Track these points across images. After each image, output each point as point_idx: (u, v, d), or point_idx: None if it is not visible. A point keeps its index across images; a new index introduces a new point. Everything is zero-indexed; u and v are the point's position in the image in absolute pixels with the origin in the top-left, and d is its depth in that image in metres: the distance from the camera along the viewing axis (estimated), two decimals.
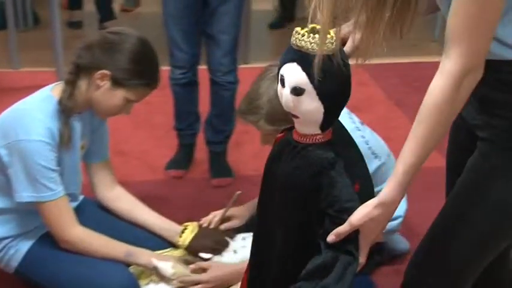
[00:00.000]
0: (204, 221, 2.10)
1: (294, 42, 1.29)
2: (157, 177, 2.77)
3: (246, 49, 3.97)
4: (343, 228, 1.30)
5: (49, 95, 1.91)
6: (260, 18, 4.65)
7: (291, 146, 1.39)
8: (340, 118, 1.98)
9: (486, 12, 1.18)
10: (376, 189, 2.02)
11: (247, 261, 1.97)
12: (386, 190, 1.29)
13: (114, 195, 2.14)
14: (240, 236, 2.07)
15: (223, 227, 2.09)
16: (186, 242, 2.00)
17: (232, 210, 2.10)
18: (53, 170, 1.84)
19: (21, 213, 1.94)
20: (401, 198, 1.31)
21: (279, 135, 1.50)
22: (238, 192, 2.07)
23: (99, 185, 2.13)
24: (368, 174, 1.46)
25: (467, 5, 1.17)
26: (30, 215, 1.94)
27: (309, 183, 1.35)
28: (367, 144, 2.01)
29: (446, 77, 1.21)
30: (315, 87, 1.28)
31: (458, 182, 1.42)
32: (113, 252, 1.95)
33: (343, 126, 1.48)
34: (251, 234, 2.05)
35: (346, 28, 1.47)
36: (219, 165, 2.77)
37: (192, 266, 1.97)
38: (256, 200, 2.16)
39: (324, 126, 1.36)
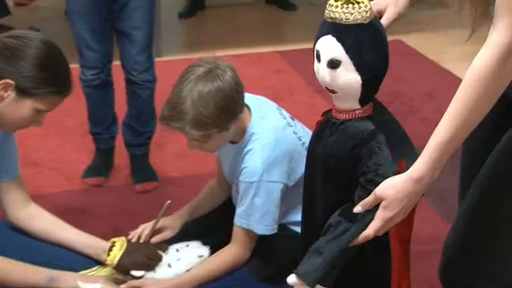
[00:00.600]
0: (133, 235, 1.96)
1: (328, 14, 1.31)
2: (75, 187, 2.59)
3: (157, 42, 3.80)
4: (368, 200, 1.31)
5: None
6: (169, 8, 4.49)
7: (330, 123, 1.41)
8: (270, 115, 1.93)
9: None
10: None
11: (184, 275, 1.87)
12: (416, 165, 1.26)
13: (28, 214, 1.96)
14: (173, 248, 1.94)
15: (154, 240, 1.96)
16: (115, 260, 1.86)
17: (162, 221, 1.98)
18: None
19: None
20: (434, 175, 1.26)
21: (319, 118, 1.49)
22: (168, 202, 1.94)
23: (11, 205, 1.94)
24: (417, 156, 1.34)
25: None
26: None
27: (349, 157, 1.36)
28: (300, 140, 1.92)
29: (492, 49, 1.15)
30: (352, 58, 1.28)
31: (491, 162, 1.36)
32: (32, 279, 1.79)
33: (383, 107, 1.46)
34: (185, 244, 1.96)
35: (381, 2, 1.45)
36: (142, 169, 2.62)
37: (122, 286, 1.83)
38: (187, 207, 2.08)
39: (363, 100, 1.36)
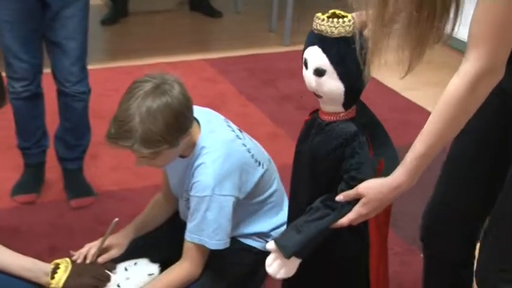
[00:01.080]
0: (78, 255, 1.87)
1: (315, 26, 1.43)
2: (3, 206, 2.46)
3: None
4: (350, 193, 1.47)
5: None
6: (91, 15, 4.36)
7: (316, 124, 1.54)
8: (219, 128, 1.90)
9: (508, 19, 1.25)
10: (262, 196, 1.97)
11: None
12: (395, 174, 1.43)
13: None
14: (121, 267, 1.87)
15: (101, 259, 1.87)
16: (60, 284, 1.76)
17: (109, 239, 1.90)
18: None
19: None
20: (411, 183, 1.42)
21: (307, 117, 1.61)
22: (116, 219, 1.87)
23: None
24: (396, 156, 1.54)
25: (489, 11, 1.25)
26: None
27: (333, 156, 1.50)
28: (250, 152, 1.91)
29: (462, 78, 1.30)
30: (335, 68, 1.42)
31: None
32: None
33: (367, 108, 1.58)
34: (133, 262, 1.89)
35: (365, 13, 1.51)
36: (77, 184, 2.53)
37: None
38: (133, 224, 2.01)
39: (346, 105, 1.49)
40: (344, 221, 1.48)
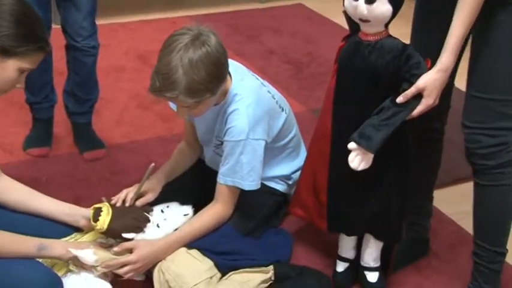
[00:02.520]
0: (117, 200, 1.96)
1: None
2: (18, 159, 2.50)
3: None
4: (410, 91, 1.69)
5: None
6: None
7: (364, 45, 1.75)
8: (246, 76, 2.02)
9: None
10: (284, 141, 2.10)
11: (173, 234, 1.93)
12: (443, 59, 1.67)
13: (2, 186, 1.90)
14: (158, 209, 1.98)
15: (138, 203, 1.97)
16: (105, 225, 1.86)
17: (144, 185, 2.00)
18: None
19: None
20: (453, 64, 1.68)
21: (341, 43, 1.85)
22: (152, 164, 1.96)
23: None
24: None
25: None
26: None
27: (392, 65, 1.72)
28: (274, 98, 2.03)
29: None
30: None
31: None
32: (23, 248, 1.76)
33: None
34: (169, 205, 2.01)
35: None
36: (88, 137, 2.60)
37: (115, 249, 1.85)
38: (162, 170, 2.11)
39: (387, 24, 1.73)
40: (415, 113, 1.71)
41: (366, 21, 1.70)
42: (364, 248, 1.97)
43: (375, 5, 1.65)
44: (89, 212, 1.92)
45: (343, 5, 1.74)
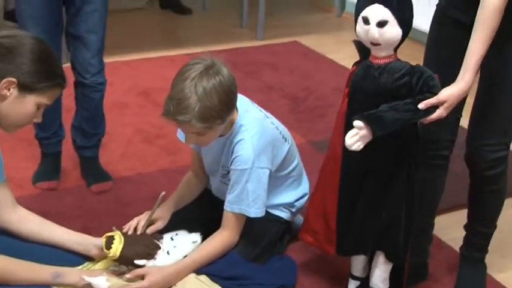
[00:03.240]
0: (129, 228, 2.04)
1: None
2: (28, 192, 2.57)
3: None
4: (431, 101, 1.78)
5: None
6: None
7: (375, 67, 1.83)
8: (251, 108, 2.11)
9: None
10: (287, 170, 2.18)
11: (183, 260, 1.99)
12: (466, 78, 1.80)
13: (18, 216, 1.99)
14: (167, 237, 2.05)
15: (149, 230, 2.06)
16: (118, 253, 1.93)
17: (154, 213, 2.07)
18: None
19: None
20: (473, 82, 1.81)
21: (352, 68, 1.92)
22: (163, 193, 2.05)
23: (0, 208, 1.96)
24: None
25: None
26: None
27: (400, 83, 1.80)
28: (278, 129, 2.13)
29: None
30: (396, 17, 1.73)
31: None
32: (39, 276, 1.84)
33: None
34: (177, 232, 2.08)
35: None
36: (95, 170, 2.67)
37: (128, 276, 1.92)
38: (171, 199, 2.19)
39: (396, 48, 1.82)
40: (427, 120, 1.81)
41: (376, 44, 1.78)
42: (373, 270, 2.03)
43: (385, 28, 1.74)
44: (101, 241, 1.99)
45: (355, 30, 1.82)
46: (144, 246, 1.99)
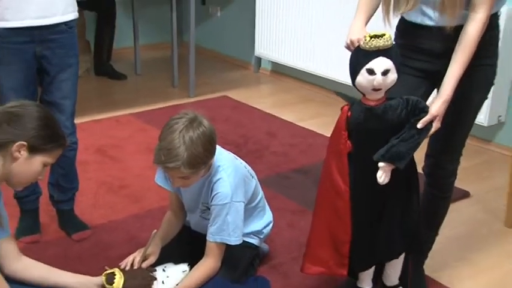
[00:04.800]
0: (125, 263, 2.13)
1: (371, 45, 1.86)
2: None
3: None
4: (426, 118, 1.93)
5: None
6: None
7: (375, 111, 1.94)
8: (222, 151, 2.26)
9: None
10: (255, 202, 2.33)
11: None
12: (444, 92, 1.96)
13: (23, 265, 2.04)
14: (159, 269, 2.16)
15: (144, 265, 2.15)
16: (120, 286, 2.02)
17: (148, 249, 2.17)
18: None
19: None
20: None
21: (345, 108, 1.98)
22: (154, 231, 2.16)
23: (6, 260, 2.01)
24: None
25: None
26: None
27: (401, 117, 1.93)
28: (246, 168, 2.30)
29: (477, 23, 1.91)
30: (395, 64, 1.89)
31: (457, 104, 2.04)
32: None
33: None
34: (166, 265, 2.19)
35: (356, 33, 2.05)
36: (73, 221, 2.72)
37: None
38: (157, 238, 2.28)
39: (387, 90, 1.94)
40: (432, 131, 1.96)
41: (378, 89, 1.90)
42: (389, 271, 2.15)
43: (388, 75, 1.88)
44: (100, 279, 2.07)
45: (353, 83, 1.93)
46: (142, 278, 2.09)
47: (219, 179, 2.14)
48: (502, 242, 2.78)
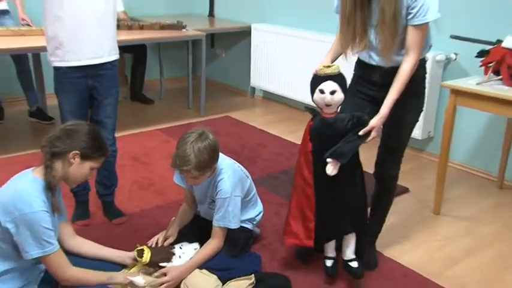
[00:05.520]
0: (152, 242, 2.15)
1: (322, 72, 1.93)
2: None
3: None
4: (366, 128, 1.95)
5: (34, 177, 1.79)
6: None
7: (328, 121, 1.98)
8: (223, 158, 2.26)
9: (424, 37, 1.96)
10: (250, 196, 2.33)
11: (189, 261, 2.10)
12: (385, 111, 1.98)
13: (77, 243, 2.07)
14: (177, 247, 2.17)
15: (165, 243, 2.17)
16: (148, 259, 2.04)
17: (168, 232, 2.19)
18: (52, 230, 1.75)
19: (21, 269, 1.77)
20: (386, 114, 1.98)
21: (309, 122, 2.03)
22: (173, 218, 2.17)
23: (66, 238, 2.04)
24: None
25: (418, 33, 1.94)
26: (27, 269, 1.78)
27: (347, 126, 1.96)
28: (242, 170, 2.31)
29: (410, 62, 1.96)
30: (340, 87, 1.93)
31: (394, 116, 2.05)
32: (100, 279, 1.93)
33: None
34: (182, 244, 2.21)
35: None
36: (113, 210, 2.74)
37: (156, 274, 2.02)
38: (175, 223, 2.30)
39: (338, 107, 1.99)
40: (369, 138, 1.97)
41: (329, 105, 1.96)
42: (345, 247, 2.14)
43: (335, 95, 1.93)
44: (133, 253, 2.09)
45: (312, 99, 1.98)
46: (164, 253, 2.10)
47: (221, 179, 2.16)
48: (431, 224, 2.82)
